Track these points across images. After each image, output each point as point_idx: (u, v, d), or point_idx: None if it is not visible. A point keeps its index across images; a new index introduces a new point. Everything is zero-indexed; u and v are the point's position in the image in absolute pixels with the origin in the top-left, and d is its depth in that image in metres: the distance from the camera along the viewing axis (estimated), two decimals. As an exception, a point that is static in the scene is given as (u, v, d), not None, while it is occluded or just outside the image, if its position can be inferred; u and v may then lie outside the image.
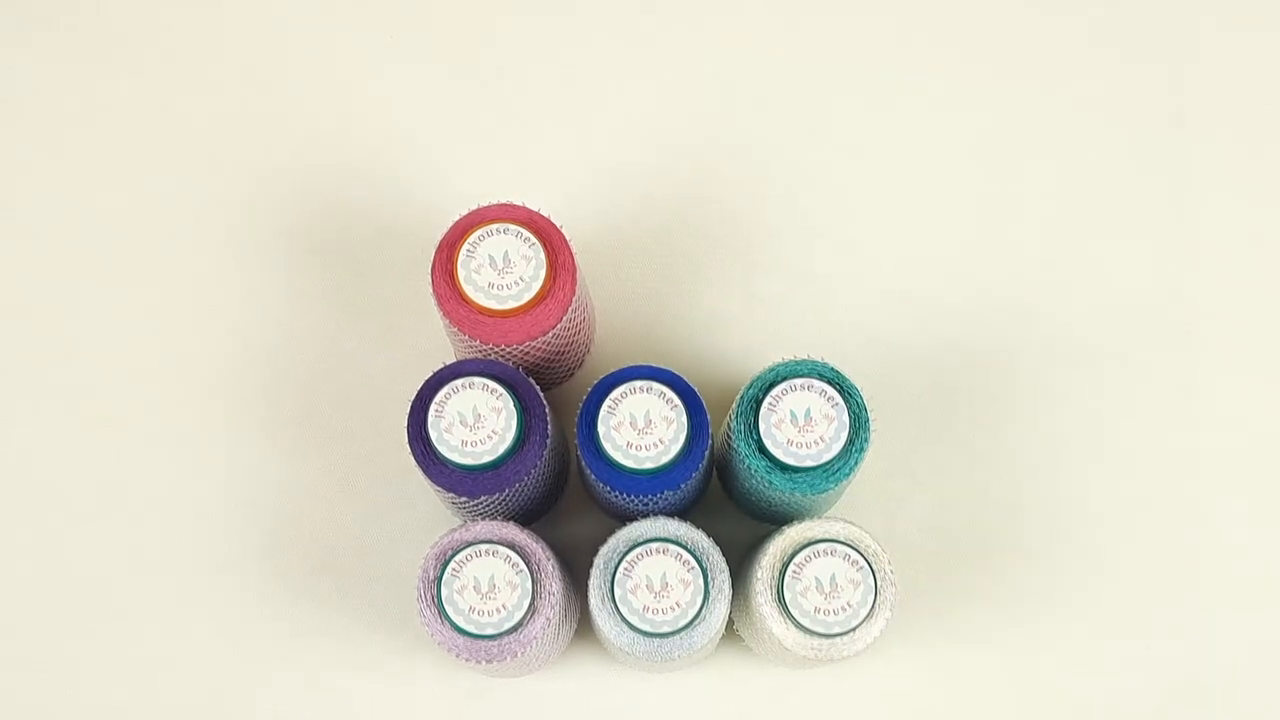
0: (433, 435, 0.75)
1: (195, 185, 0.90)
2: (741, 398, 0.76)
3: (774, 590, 0.75)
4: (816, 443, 0.75)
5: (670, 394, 0.76)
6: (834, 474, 0.75)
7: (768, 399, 0.75)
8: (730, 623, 0.81)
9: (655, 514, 0.77)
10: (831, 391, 0.75)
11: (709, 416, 0.77)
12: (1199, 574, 0.87)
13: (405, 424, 0.75)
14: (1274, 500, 0.87)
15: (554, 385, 0.84)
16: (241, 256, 0.89)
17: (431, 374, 0.76)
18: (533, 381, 0.76)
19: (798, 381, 0.75)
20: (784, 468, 0.75)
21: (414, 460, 0.75)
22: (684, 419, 0.75)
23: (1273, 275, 0.90)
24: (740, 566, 0.81)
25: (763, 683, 0.85)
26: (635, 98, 0.91)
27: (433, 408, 0.75)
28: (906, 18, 0.91)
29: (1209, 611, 0.86)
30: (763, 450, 0.75)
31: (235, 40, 0.92)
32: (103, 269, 0.89)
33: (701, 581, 0.75)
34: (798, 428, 0.75)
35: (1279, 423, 0.88)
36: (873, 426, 0.76)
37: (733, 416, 0.76)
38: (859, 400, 0.76)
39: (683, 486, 0.76)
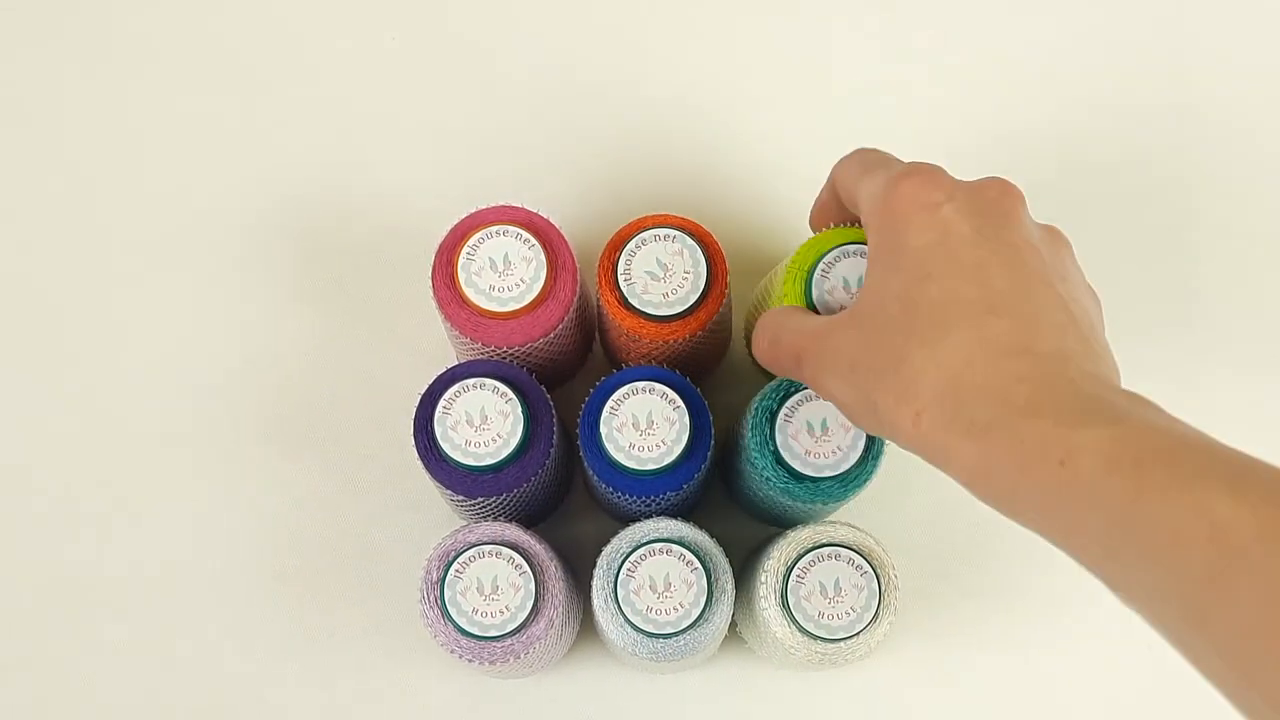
0: (437, 431, 0.75)
1: (194, 186, 0.90)
2: (755, 409, 0.76)
3: (778, 593, 0.75)
4: (834, 452, 0.75)
5: (673, 395, 0.76)
6: (852, 482, 0.75)
7: (783, 410, 0.75)
8: (733, 624, 0.81)
9: (658, 515, 0.78)
10: None
11: (711, 417, 0.77)
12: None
13: (409, 425, 0.75)
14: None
15: (557, 385, 0.84)
16: (241, 258, 0.89)
17: (445, 370, 0.76)
18: (544, 389, 0.77)
19: (812, 391, 0.75)
20: (802, 478, 0.75)
21: (417, 455, 0.75)
22: (686, 420, 0.76)
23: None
24: (743, 568, 0.81)
25: (765, 684, 0.85)
26: (633, 97, 0.91)
27: (441, 403, 0.75)
28: None
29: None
30: (780, 462, 0.75)
31: (235, 40, 0.91)
32: (103, 271, 0.89)
33: (705, 582, 0.75)
34: (814, 438, 0.75)
35: (1279, 419, 0.88)
36: None
37: (747, 428, 0.76)
38: None
39: (685, 487, 0.76)
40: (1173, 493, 0.55)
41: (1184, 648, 0.56)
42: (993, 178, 0.67)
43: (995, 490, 0.60)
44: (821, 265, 0.73)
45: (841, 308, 0.72)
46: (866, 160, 0.71)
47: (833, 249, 0.73)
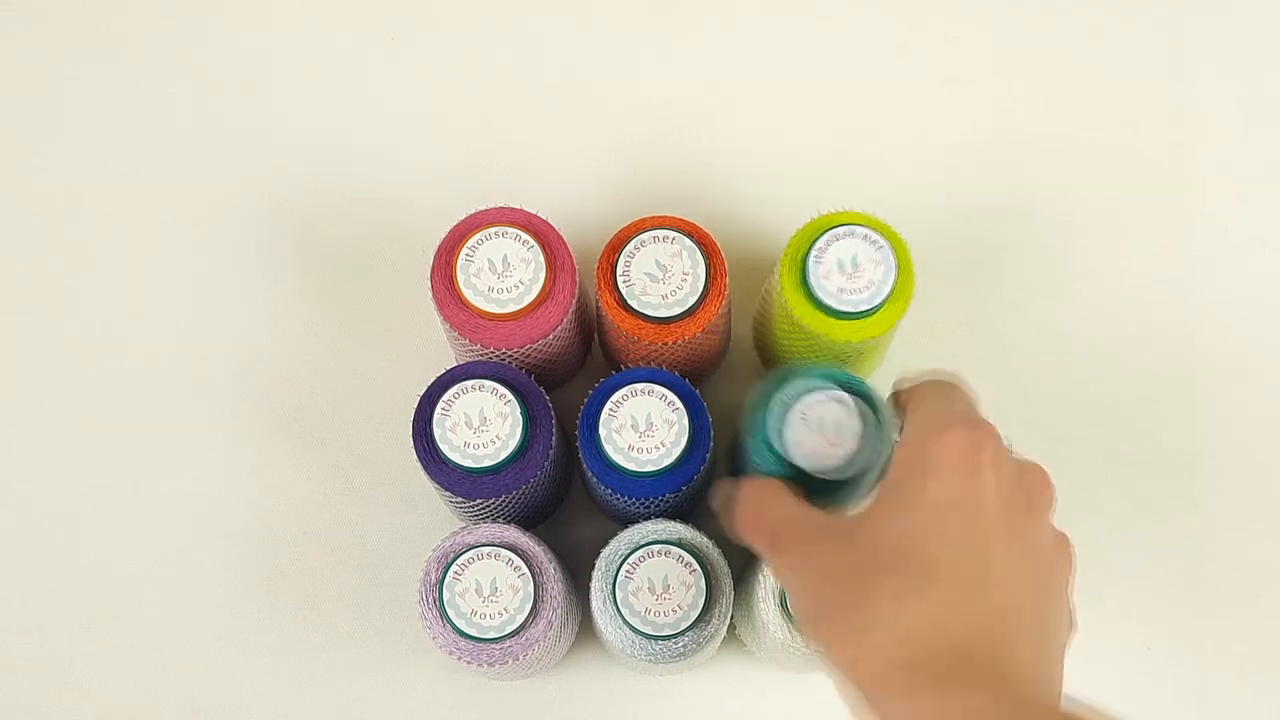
0: (436, 433, 0.75)
1: (196, 187, 0.90)
2: (765, 407, 0.73)
3: (776, 594, 0.75)
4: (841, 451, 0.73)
5: (671, 396, 0.76)
6: (860, 479, 0.72)
7: (799, 406, 0.72)
8: (732, 625, 0.81)
9: (657, 516, 0.78)
10: (851, 401, 0.73)
11: (710, 419, 0.77)
12: (1200, 573, 0.87)
13: (407, 426, 0.75)
14: (1275, 495, 0.88)
15: (556, 387, 0.84)
16: (242, 258, 0.89)
17: (444, 371, 0.76)
18: (543, 391, 0.77)
19: (821, 396, 0.72)
20: (810, 478, 0.72)
21: (416, 457, 0.75)
22: (685, 421, 0.76)
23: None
24: (743, 570, 0.81)
25: (764, 685, 0.85)
26: (631, 98, 0.91)
27: (440, 405, 0.75)
28: None
29: (1210, 612, 0.86)
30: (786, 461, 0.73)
31: (235, 41, 0.91)
32: (103, 270, 0.89)
33: (703, 584, 0.75)
34: (825, 437, 0.73)
35: None
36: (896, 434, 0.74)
37: (750, 426, 0.75)
38: (876, 403, 0.73)
39: (684, 489, 0.76)
40: None
41: None
42: (1037, 465, 0.67)
43: None
44: (814, 251, 0.75)
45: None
46: (946, 393, 0.70)
47: (823, 234, 0.75)
